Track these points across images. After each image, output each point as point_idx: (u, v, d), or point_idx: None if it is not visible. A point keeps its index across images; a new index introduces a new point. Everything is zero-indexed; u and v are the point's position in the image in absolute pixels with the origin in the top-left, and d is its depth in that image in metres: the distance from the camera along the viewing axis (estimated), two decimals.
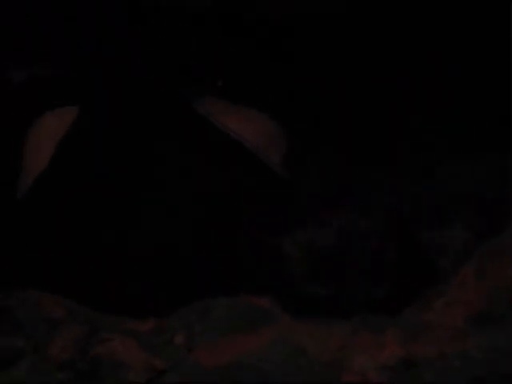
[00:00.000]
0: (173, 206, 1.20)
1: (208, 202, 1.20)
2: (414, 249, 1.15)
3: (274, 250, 1.15)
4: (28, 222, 1.23)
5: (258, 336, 1.08)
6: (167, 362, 1.06)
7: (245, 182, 1.22)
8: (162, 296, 1.18)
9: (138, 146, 1.23)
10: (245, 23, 1.55)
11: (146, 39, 1.57)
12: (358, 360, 1.02)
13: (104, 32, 1.56)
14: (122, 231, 1.20)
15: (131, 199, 1.21)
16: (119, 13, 1.57)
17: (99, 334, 1.12)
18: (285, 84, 1.55)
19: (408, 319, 1.06)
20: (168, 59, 1.49)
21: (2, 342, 1.09)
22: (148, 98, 1.29)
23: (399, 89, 1.54)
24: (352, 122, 1.55)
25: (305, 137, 1.46)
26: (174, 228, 1.20)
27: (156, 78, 1.35)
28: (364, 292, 1.11)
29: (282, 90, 1.52)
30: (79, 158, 1.23)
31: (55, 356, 1.09)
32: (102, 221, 1.20)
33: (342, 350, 1.04)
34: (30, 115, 1.27)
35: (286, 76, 1.56)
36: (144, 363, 1.07)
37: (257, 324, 1.11)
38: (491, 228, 1.17)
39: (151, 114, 1.26)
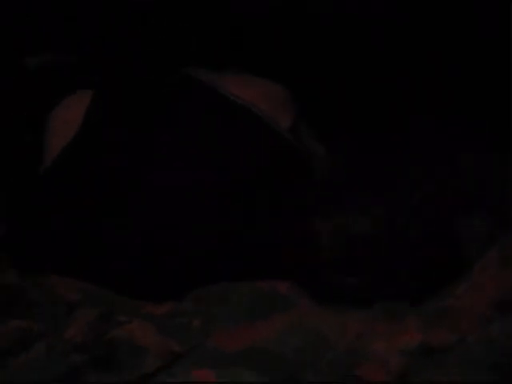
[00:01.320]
0: (193, 188, 1.19)
1: (229, 182, 1.18)
2: (447, 239, 1.13)
3: (305, 234, 1.13)
4: (46, 205, 1.22)
5: (276, 321, 1.07)
6: (184, 346, 1.06)
7: (263, 157, 1.20)
8: (184, 279, 1.17)
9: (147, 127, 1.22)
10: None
11: (147, 33, 1.56)
12: (377, 346, 1.01)
13: (103, 24, 1.55)
14: (139, 216, 1.19)
15: (149, 182, 1.20)
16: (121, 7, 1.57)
17: (116, 317, 1.11)
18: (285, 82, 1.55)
19: (429, 305, 1.05)
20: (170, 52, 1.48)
21: (18, 324, 1.08)
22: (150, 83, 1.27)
23: (400, 88, 1.54)
24: (351, 104, 1.54)
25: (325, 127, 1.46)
26: (194, 211, 1.19)
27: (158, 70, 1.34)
28: (393, 282, 1.09)
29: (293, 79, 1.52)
30: (96, 141, 1.22)
31: (71, 339, 1.08)
32: (119, 205, 1.19)
33: (361, 337, 1.03)
34: (46, 100, 1.27)
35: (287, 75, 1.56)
36: (161, 347, 1.06)
37: (275, 309, 1.10)
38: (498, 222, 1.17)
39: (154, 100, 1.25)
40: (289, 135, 1.25)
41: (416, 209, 1.12)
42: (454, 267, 1.10)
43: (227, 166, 1.19)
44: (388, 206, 1.11)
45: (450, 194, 1.25)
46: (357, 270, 1.09)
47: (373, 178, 1.19)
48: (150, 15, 1.56)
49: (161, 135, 1.20)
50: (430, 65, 1.56)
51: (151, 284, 1.17)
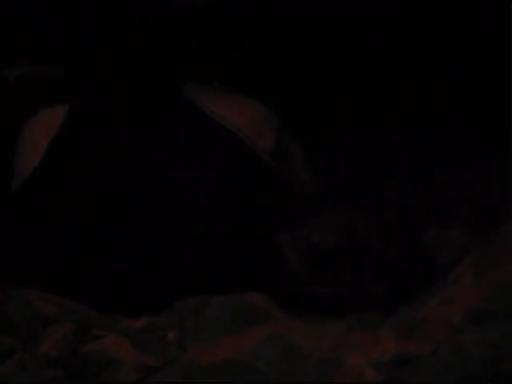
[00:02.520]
0: (168, 196, 1.19)
1: (202, 198, 1.19)
2: (414, 248, 1.13)
3: (273, 250, 1.14)
4: (21, 219, 1.22)
5: (251, 334, 1.06)
6: (159, 360, 1.05)
7: (235, 175, 1.21)
8: (155, 294, 1.17)
9: (135, 142, 1.22)
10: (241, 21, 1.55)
11: (143, 38, 1.56)
12: (353, 357, 1.00)
13: (101, 30, 1.55)
14: (115, 229, 1.19)
15: (127, 196, 1.20)
16: (116, 12, 1.57)
17: (91, 332, 1.10)
18: (284, 83, 1.55)
19: (403, 316, 1.05)
20: (166, 59, 1.48)
21: None
22: (144, 95, 1.28)
23: (400, 88, 1.54)
24: (352, 120, 1.54)
25: (303, 135, 1.46)
26: (169, 226, 1.19)
27: (153, 77, 1.34)
28: (363, 292, 1.09)
29: (281, 88, 1.52)
30: (74, 155, 1.22)
31: (46, 353, 1.07)
32: (95, 218, 1.19)
33: (337, 348, 1.02)
34: (24, 112, 1.26)
35: (287, 75, 1.56)
36: (136, 361, 1.05)
37: (251, 322, 1.09)
38: (489, 226, 1.16)
39: (146, 110, 1.25)
40: (266, 156, 1.26)
41: (384, 219, 1.12)
42: (426, 276, 1.10)
43: (202, 180, 1.20)
44: (352, 218, 1.11)
45: (422, 205, 1.25)
46: (325, 281, 1.09)
47: (339, 188, 1.19)
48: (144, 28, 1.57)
49: (144, 140, 1.21)
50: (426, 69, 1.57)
51: (127, 299, 1.17)
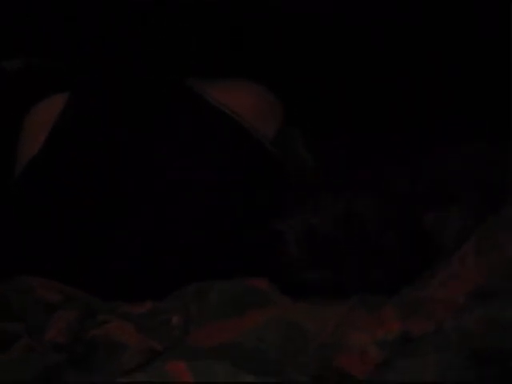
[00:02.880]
0: (169, 192, 1.19)
1: (204, 187, 1.19)
2: (414, 230, 1.13)
3: (271, 235, 1.14)
4: (21, 209, 1.22)
5: (255, 316, 1.06)
6: (164, 344, 1.05)
7: (238, 163, 1.21)
8: (158, 280, 1.17)
9: (135, 132, 1.22)
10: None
11: (144, 35, 1.57)
12: (356, 337, 1.00)
13: (100, 24, 1.56)
14: (115, 223, 1.18)
15: (129, 186, 1.19)
16: (117, 7, 1.57)
17: (95, 318, 1.10)
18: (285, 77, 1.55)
19: (406, 296, 1.05)
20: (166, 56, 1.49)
21: None
22: (143, 84, 1.28)
23: (401, 80, 1.55)
24: (351, 108, 1.55)
25: (302, 121, 1.46)
26: (170, 214, 1.19)
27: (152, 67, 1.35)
28: (362, 275, 1.10)
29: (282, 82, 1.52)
30: (72, 144, 1.22)
31: (51, 339, 1.08)
32: (93, 211, 1.18)
33: (340, 328, 1.03)
34: (24, 103, 1.26)
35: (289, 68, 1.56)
36: (140, 345, 1.05)
37: (254, 305, 1.10)
38: (490, 207, 1.17)
39: (146, 98, 1.25)
40: (267, 143, 1.25)
41: (382, 202, 1.12)
42: (427, 258, 1.10)
43: (206, 169, 1.19)
44: (348, 203, 1.11)
45: (423, 187, 1.26)
46: (324, 266, 1.09)
47: (337, 173, 1.20)
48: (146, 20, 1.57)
49: (144, 137, 1.21)
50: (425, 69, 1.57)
51: (127, 297, 1.16)
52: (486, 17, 1.49)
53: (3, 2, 1.54)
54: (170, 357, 0.97)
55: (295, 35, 1.59)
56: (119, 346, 1.06)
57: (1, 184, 1.24)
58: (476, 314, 0.96)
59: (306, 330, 1.03)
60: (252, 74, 1.43)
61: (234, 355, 1.01)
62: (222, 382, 0.95)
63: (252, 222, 1.17)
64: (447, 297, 1.02)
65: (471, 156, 1.37)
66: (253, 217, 1.17)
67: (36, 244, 1.20)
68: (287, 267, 1.13)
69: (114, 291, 1.16)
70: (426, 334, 0.97)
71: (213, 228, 1.18)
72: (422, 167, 1.36)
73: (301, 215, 1.13)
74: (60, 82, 1.31)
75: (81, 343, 1.07)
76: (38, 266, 1.19)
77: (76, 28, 1.58)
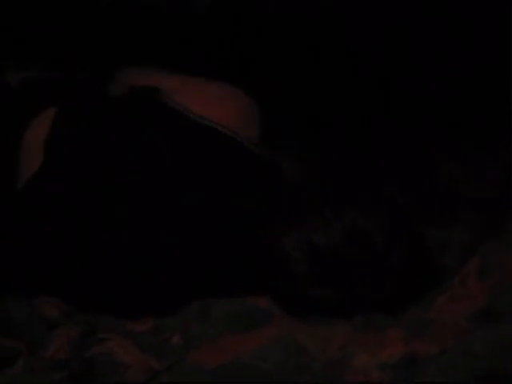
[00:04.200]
0: (164, 207, 1.17)
1: (199, 199, 1.17)
2: (418, 248, 1.12)
3: (274, 250, 1.12)
4: (23, 224, 1.20)
5: (257, 335, 1.05)
6: (164, 362, 1.04)
7: (229, 173, 1.18)
8: (161, 297, 1.16)
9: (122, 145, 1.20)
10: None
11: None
12: (360, 359, 0.98)
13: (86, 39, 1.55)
14: (118, 233, 1.17)
15: (124, 201, 1.18)
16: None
17: (96, 335, 1.09)
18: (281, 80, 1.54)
19: (409, 317, 1.03)
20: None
21: None
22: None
23: (401, 89, 1.54)
24: (353, 119, 1.53)
25: (304, 134, 1.46)
26: (169, 230, 1.17)
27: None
28: (366, 293, 1.08)
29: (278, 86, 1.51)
30: (63, 156, 1.20)
31: (51, 356, 1.06)
32: (97, 222, 1.17)
33: (344, 349, 1.02)
34: (26, 116, 1.25)
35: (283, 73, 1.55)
36: (141, 363, 1.04)
37: (256, 323, 1.08)
38: (493, 226, 1.16)
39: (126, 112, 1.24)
40: (252, 146, 1.22)
41: (380, 220, 1.11)
42: (428, 277, 1.09)
43: (195, 184, 1.18)
44: (351, 218, 1.10)
45: (426, 205, 1.25)
46: (327, 282, 1.08)
47: (339, 189, 1.18)
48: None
49: (127, 153, 1.19)
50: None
51: (133, 303, 1.16)
52: (486, 16, 1.48)
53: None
54: (173, 378, 0.96)
55: (287, 35, 1.58)
56: (119, 363, 1.04)
57: (2, 197, 1.23)
58: (481, 337, 0.95)
59: (309, 351, 1.02)
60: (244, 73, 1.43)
61: (236, 375, 1.00)
62: None
63: (249, 230, 1.15)
64: (451, 318, 1.01)
65: (473, 172, 1.37)
66: (252, 227, 1.15)
67: (34, 258, 1.19)
68: (289, 284, 1.11)
69: (110, 307, 1.15)
70: (430, 356, 0.96)
71: (209, 242, 1.16)
72: (424, 184, 1.36)
73: (304, 232, 1.12)
74: (58, 94, 1.30)
75: (81, 360, 1.06)
76: (36, 274, 1.17)
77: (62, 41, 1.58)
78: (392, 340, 1.00)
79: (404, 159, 1.43)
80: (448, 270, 1.11)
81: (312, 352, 1.02)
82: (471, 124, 1.47)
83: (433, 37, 1.53)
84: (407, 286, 1.07)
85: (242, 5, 1.55)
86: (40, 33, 1.55)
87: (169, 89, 1.24)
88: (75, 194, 1.18)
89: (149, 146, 1.19)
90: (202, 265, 1.15)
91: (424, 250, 1.11)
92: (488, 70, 1.50)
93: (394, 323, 1.02)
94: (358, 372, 0.97)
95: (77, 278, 1.16)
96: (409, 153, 1.45)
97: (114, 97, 1.28)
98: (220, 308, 1.11)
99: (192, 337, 1.07)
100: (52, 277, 1.17)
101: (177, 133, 1.20)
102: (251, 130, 1.24)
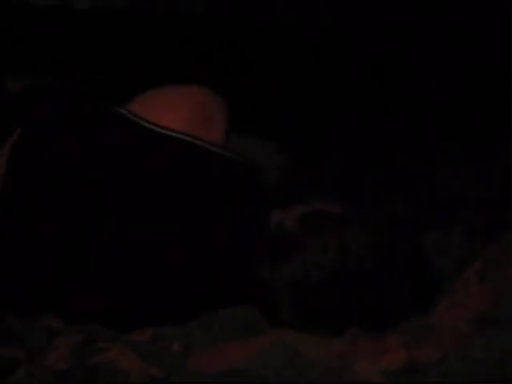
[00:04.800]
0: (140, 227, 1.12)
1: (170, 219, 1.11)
2: (413, 257, 1.10)
3: (259, 286, 1.09)
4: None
5: (256, 342, 1.05)
6: (164, 370, 1.04)
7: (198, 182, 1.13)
8: (161, 309, 1.14)
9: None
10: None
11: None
12: (360, 365, 0.97)
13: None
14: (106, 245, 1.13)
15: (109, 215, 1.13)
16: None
17: (97, 344, 1.09)
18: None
19: (410, 323, 1.02)
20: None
21: None
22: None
23: (400, 91, 1.53)
24: (352, 121, 1.52)
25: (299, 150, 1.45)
26: (146, 250, 1.11)
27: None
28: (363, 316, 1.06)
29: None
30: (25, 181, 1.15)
31: (52, 365, 1.07)
32: (86, 232, 1.12)
33: (343, 356, 1.01)
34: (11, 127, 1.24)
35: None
36: (141, 371, 1.04)
37: (255, 331, 1.08)
38: (493, 228, 1.15)
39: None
40: (219, 149, 1.16)
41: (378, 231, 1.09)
42: (426, 284, 1.07)
43: (171, 199, 1.12)
44: (342, 247, 1.07)
45: (425, 209, 1.24)
46: (313, 318, 1.05)
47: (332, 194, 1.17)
48: None
49: (92, 167, 1.14)
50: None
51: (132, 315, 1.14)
52: (486, 17, 1.48)
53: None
54: None
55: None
56: (121, 372, 1.04)
57: None
58: (481, 342, 0.94)
59: (308, 357, 1.02)
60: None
61: (236, 381, 1.00)
62: None
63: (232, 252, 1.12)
64: (451, 324, 1.00)
65: (473, 173, 1.36)
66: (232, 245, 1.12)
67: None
68: (275, 314, 1.10)
69: (106, 320, 1.13)
70: (431, 362, 0.95)
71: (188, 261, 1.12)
72: (423, 188, 1.35)
73: (289, 268, 1.09)
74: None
75: (83, 370, 1.06)
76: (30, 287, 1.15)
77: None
78: (392, 346, 0.99)
79: (403, 160, 1.43)
80: (448, 275, 1.11)
81: (311, 358, 1.01)
82: (471, 124, 1.46)
83: (432, 37, 1.52)
84: (405, 309, 1.05)
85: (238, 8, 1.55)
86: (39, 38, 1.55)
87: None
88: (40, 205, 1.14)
89: (108, 160, 1.15)
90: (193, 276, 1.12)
91: (420, 258, 1.10)
92: (488, 70, 1.49)
93: (394, 330, 1.02)
94: (357, 379, 0.97)
95: (69, 292, 1.13)
96: (408, 153, 1.44)
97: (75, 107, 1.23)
98: (219, 315, 1.11)
99: (191, 344, 1.07)
100: (45, 290, 1.14)
101: (136, 145, 1.16)
102: (214, 129, 1.19)
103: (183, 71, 1.52)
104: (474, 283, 1.04)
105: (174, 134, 1.15)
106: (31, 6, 1.54)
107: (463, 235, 1.19)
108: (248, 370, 1.01)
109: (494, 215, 1.22)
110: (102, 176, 1.14)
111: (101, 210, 1.13)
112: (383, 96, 1.53)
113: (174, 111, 1.19)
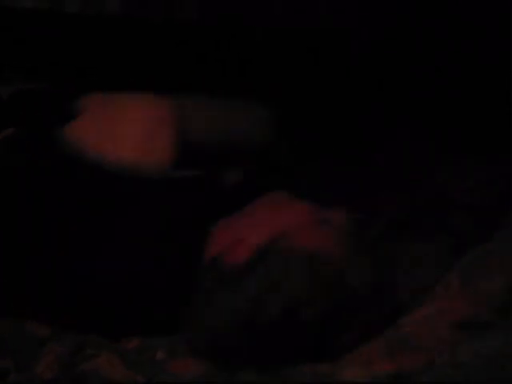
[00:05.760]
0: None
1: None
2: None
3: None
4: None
5: None
6: (147, 375, 1.04)
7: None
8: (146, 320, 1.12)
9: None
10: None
11: None
12: (352, 372, 0.96)
13: None
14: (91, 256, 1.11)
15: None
16: None
17: (85, 352, 1.10)
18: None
19: (393, 332, 1.01)
20: None
21: None
22: None
23: (395, 90, 1.53)
24: (347, 122, 1.52)
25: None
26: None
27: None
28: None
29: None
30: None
31: (40, 374, 1.07)
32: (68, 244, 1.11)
33: (330, 365, 0.99)
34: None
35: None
36: (126, 379, 1.05)
37: None
38: (476, 235, 1.13)
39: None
40: (171, 171, 1.13)
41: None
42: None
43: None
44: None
45: (406, 214, 1.23)
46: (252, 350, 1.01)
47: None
48: None
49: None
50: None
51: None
52: (486, 17, 1.47)
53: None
54: None
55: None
56: (107, 380, 1.05)
57: None
58: (468, 348, 0.92)
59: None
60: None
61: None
62: None
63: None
64: (435, 330, 0.98)
65: (466, 176, 1.35)
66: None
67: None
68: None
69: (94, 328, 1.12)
70: (417, 370, 0.93)
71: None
72: (415, 188, 1.34)
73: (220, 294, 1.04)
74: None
75: (70, 377, 1.06)
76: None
77: None
78: (377, 355, 0.97)
79: (397, 163, 1.42)
80: (429, 281, 1.09)
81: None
82: (470, 126, 1.45)
83: (433, 39, 1.52)
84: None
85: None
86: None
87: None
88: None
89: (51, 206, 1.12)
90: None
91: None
92: (488, 70, 1.48)
93: (377, 338, 1.00)
94: None
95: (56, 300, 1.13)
96: (402, 155, 1.44)
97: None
98: None
99: (175, 353, 1.07)
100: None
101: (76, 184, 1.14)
102: (162, 148, 1.15)
103: (178, 76, 1.52)
104: (457, 288, 1.02)
105: (114, 168, 1.12)
106: (20, 10, 1.54)
107: (451, 238, 1.18)
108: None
109: (484, 218, 1.21)
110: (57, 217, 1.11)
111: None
112: (383, 98, 1.52)
113: (120, 130, 1.15)
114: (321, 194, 1.19)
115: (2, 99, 1.30)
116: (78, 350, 1.09)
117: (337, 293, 1.01)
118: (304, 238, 1.05)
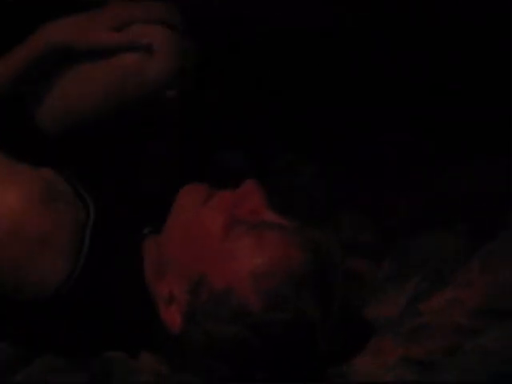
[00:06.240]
0: None
1: None
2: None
3: None
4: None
5: None
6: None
7: None
8: None
9: None
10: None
11: None
12: (364, 363, 0.99)
13: None
14: None
15: None
16: None
17: None
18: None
19: (406, 324, 1.02)
20: None
21: None
22: None
23: (395, 90, 1.54)
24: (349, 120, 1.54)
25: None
26: None
27: None
28: None
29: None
30: None
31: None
32: None
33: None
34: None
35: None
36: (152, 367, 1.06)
37: None
38: (492, 228, 1.13)
39: None
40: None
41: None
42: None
43: None
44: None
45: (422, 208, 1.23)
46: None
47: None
48: None
49: None
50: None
51: None
52: (486, 18, 1.49)
53: None
54: None
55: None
56: (133, 366, 1.06)
57: None
58: (492, 335, 0.94)
59: None
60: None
61: None
62: None
63: None
64: (450, 319, 1.00)
65: (472, 172, 1.38)
66: None
67: None
68: None
69: None
70: (435, 359, 0.94)
71: None
72: (423, 185, 1.36)
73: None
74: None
75: (100, 361, 1.06)
76: None
77: None
78: (390, 346, 1.00)
79: (401, 160, 1.44)
80: (447, 272, 1.11)
81: None
82: (470, 124, 1.48)
83: (433, 39, 1.53)
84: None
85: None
86: None
87: None
88: None
89: None
90: None
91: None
92: (488, 70, 1.50)
93: (391, 331, 1.02)
94: (363, 376, 0.97)
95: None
96: (406, 154, 1.46)
97: None
98: None
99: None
100: None
101: None
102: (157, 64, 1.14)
103: None
104: (475, 278, 1.02)
105: None
106: None
107: (464, 233, 1.19)
108: None
109: (494, 212, 1.21)
110: None
111: None
112: (383, 97, 1.53)
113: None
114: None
115: None
116: None
117: None
118: None
